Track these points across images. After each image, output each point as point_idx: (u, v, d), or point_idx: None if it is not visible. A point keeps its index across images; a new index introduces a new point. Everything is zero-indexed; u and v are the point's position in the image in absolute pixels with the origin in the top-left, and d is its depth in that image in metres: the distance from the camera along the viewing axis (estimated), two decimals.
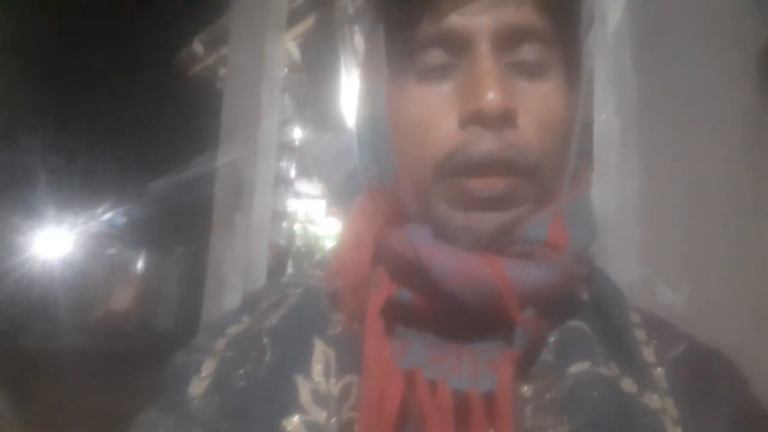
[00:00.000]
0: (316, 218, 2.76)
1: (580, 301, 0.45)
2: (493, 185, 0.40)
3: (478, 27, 0.41)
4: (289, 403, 0.41)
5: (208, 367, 0.45)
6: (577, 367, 0.41)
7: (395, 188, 0.44)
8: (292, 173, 2.06)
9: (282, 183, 1.82)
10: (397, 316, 0.42)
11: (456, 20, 0.41)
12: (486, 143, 0.39)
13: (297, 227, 2.89)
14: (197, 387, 0.44)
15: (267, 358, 0.44)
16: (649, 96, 1.13)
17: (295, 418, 0.40)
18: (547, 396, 0.40)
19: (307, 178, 2.29)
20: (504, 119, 0.39)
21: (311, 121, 2.24)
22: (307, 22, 2.44)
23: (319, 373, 0.42)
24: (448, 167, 0.40)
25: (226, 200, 1.52)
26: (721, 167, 1.04)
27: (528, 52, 0.42)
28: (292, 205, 1.93)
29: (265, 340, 0.45)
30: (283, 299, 0.49)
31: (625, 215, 1.14)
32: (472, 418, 0.38)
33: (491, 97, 0.39)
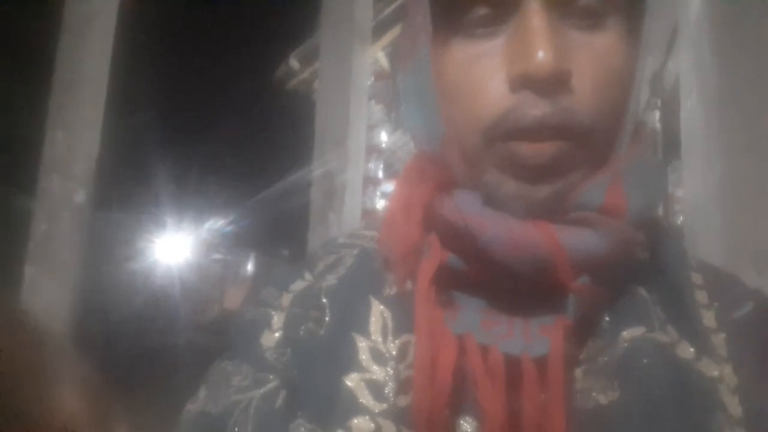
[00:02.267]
0: None
1: (640, 264, 0.43)
2: (545, 151, 0.37)
3: None
4: (349, 361, 0.41)
5: (277, 322, 0.46)
6: (631, 333, 0.39)
7: (443, 153, 0.42)
8: (380, 174, 2.16)
9: (371, 183, 1.92)
10: (448, 282, 0.41)
11: None
12: (537, 108, 0.37)
13: None
14: (269, 339, 0.45)
15: (327, 318, 0.45)
16: (730, 83, 1.13)
17: (355, 375, 0.40)
18: (600, 360, 0.39)
19: (396, 179, 2.38)
20: (556, 81, 0.36)
21: (398, 124, 2.34)
22: (394, 32, 2.55)
23: (376, 332, 0.42)
24: (498, 133, 0.38)
25: (320, 202, 1.64)
26: None
27: (583, 3, 0.38)
28: (381, 204, 2.03)
29: (324, 300, 0.46)
30: (339, 260, 0.49)
31: (709, 200, 1.14)
32: (524, 382, 0.37)
33: (541, 57, 0.36)
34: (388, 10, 2.46)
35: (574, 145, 0.38)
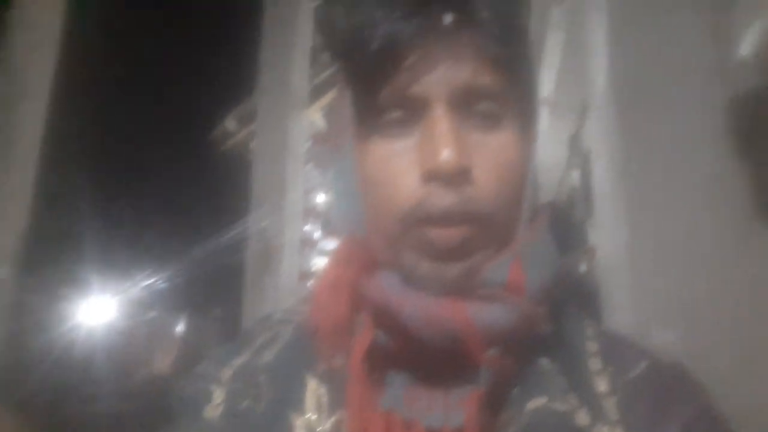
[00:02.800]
0: None
1: (544, 336, 0.46)
2: (453, 236, 0.42)
3: (434, 91, 0.43)
4: None
5: (218, 396, 0.48)
6: (535, 403, 0.43)
7: (367, 237, 0.46)
8: (317, 235, 2.19)
9: (308, 245, 1.94)
10: (377, 359, 0.44)
11: (414, 86, 0.43)
12: (444, 198, 0.42)
13: None
14: (212, 412, 0.47)
15: (264, 395, 0.47)
16: (633, 152, 1.24)
17: None
18: (508, 431, 0.42)
19: (334, 236, 2.41)
20: (459, 175, 0.42)
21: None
22: (331, 95, 2.63)
23: (312, 409, 0.45)
24: (412, 220, 0.43)
25: (256, 264, 1.64)
26: (702, 214, 1.13)
27: (482, 108, 0.44)
28: (319, 263, 2.05)
29: (262, 377, 0.48)
30: (276, 336, 0.52)
31: (619, 258, 1.23)
32: None
33: (446, 155, 0.41)
34: (325, 74, 2.55)
35: (479, 230, 0.43)
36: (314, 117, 2.51)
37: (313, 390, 0.46)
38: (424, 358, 0.43)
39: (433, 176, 0.42)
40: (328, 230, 2.41)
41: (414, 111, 0.43)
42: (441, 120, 0.42)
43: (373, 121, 0.45)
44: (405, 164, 0.43)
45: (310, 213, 2.08)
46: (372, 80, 0.44)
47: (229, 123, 2.55)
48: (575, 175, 3.27)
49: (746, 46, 0.71)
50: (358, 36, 0.45)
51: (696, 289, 1.08)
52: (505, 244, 0.45)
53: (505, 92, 0.44)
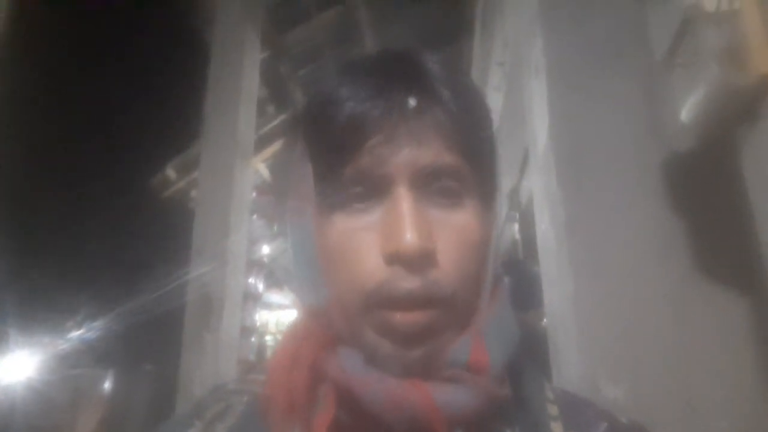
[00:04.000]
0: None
1: (504, 403, 0.46)
2: (416, 320, 0.41)
3: (395, 169, 0.43)
4: None
5: None
6: None
7: (327, 312, 0.45)
8: (261, 288, 2.13)
9: (251, 298, 1.89)
10: None
11: (374, 163, 0.43)
12: (407, 281, 0.41)
13: (269, 338, 2.89)
14: None
15: None
16: (574, 207, 1.28)
17: None
18: None
19: (278, 288, 2.36)
20: (422, 258, 0.41)
21: (280, 233, 2.35)
22: (276, 146, 2.63)
23: None
24: (374, 301, 0.42)
25: (195, 318, 1.57)
26: (644, 268, 1.17)
27: (444, 186, 0.44)
28: (263, 317, 1.99)
29: None
30: (228, 408, 0.50)
31: (566, 313, 1.25)
32: None
33: (408, 238, 0.41)
34: (270, 125, 2.55)
35: (441, 312, 0.42)
36: (258, 167, 2.48)
37: None
38: None
39: (396, 259, 0.41)
40: (272, 282, 2.36)
41: (376, 189, 0.43)
42: (403, 199, 0.42)
43: (335, 196, 0.44)
44: (367, 242, 0.43)
45: (254, 265, 2.02)
46: (335, 157, 0.44)
47: (169, 171, 2.50)
48: (515, 229, 3.38)
49: (686, 113, 0.76)
50: (323, 112, 0.45)
51: (640, 343, 1.11)
52: (467, 323, 0.44)
53: (467, 172, 0.45)
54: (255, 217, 2.07)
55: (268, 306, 2.22)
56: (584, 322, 1.19)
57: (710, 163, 0.89)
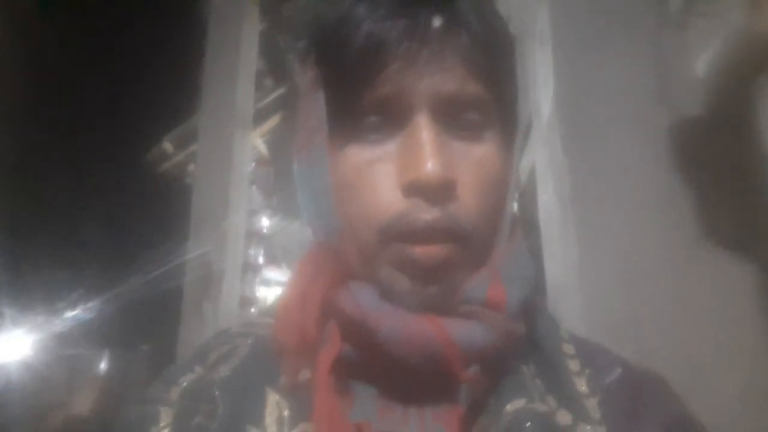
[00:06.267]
0: None
1: (520, 341, 0.46)
2: (435, 252, 0.40)
3: (416, 96, 0.41)
4: None
5: (165, 417, 0.45)
6: (514, 405, 0.42)
7: (340, 245, 0.44)
8: (261, 260, 2.13)
9: (250, 270, 1.88)
10: (345, 371, 0.42)
11: (394, 89, 0.41)
12: (427, 213, 0.40)
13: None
14: None
15: (219, 411, 0.44)
16: (580, 176, 1.27)
17: None
18: None
19: (276, 265, 2.35)
20: (443, 189, 0.40)
21: (279, 210, 2.34)
22: (274, 120, 2.60)
23: (272, 424, 0.42)
24: (391, 234, 0.41)
25: (195, 291, 1.56)
26: (649, 235, 1.16)
27: (465, 118, 0.43)
28: (261, 291, 1.99)
29: (217, 393, 0.45)
30: (233, 350, 0.49)
31: (568, 282, 1.24)
32: None
33: (430, 167, 0.39)
34: (268, 99, 2.52)
35: (460, 246, 0.41)
36: (256, 142, 2.46)
37: (274, 403, 0.44)
38: (399, 374, 0.42)
39: (416, 188, 0.40)
40: (270, 258, 2.35)
41: (395, 117, 0.42)
42: (425, 128, 0.40)
43: (350, 126, 0.42)
44: (384, 173, 0.41)
45: (254, 236, 2.01)
46: (352, 82, 0.42)
47: (166, 145, 2.47)
48: (513, 206, 3.38)
49: (703, 67, 0.74)
50: (339, 33, 0.42)
51: (645, 309, 1.11)
52: (484, 260, 0.44)
53: (490, 103, 0.43)
54: (254, 188, 2.06)
55: (267, 282, 2.22)
56: (588, 293, 1.19)
57: (723, 123, 0.88)
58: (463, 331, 0.41)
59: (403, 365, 0.40)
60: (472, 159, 0.43)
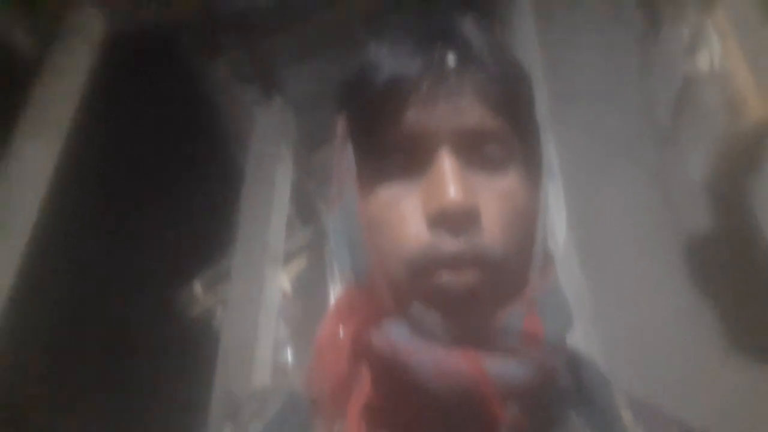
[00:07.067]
0: None
1: (564, 389, 0.44)
2: (463, 281, 0.40)
3: (438, 132, 0.42)
4: None
5: None
6: None
7: (371, 285, 0.44)
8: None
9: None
10: (378, 416, 0.42)
11: (417, 128, 0.42)
12: (452, 244, 0.40)
13: None
14: None
15: None
16: (600, 299, 1.29)
17: None
18: None
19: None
20: (467, 217, 0.40)
21: (304, 342, 2.34)
22: (299, 263, 2.70)
23: None
24: (419, 266, 0.41)
25: (219, 417, 1.54)
26: (673, 353, 1.15)
27: (487, 151, 0.43)
28: None
29: None
30: (264, 406, 0.50)
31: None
32: None
33: (452, 194, 0.39)
34: (294, 243, 2.65)
35: (488, 276, 0.40)
36: (283, 282, 2.54)
37: None
38: (430, 414, 0.40)
39: (440, 217, 0.40)
40: None
41: (418, 154, 0.43)
42: (447, 159, 0.41)
43: (377, 167, 0.44)
44: (410, 208, 0.42)
45: (279, 370, 2.01)
46: (376, 121, 0.43)
47: (196, 287, 2.55)
48: None
49: (695, 168, 0.81)
50: (362, 78, 0.45)
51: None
52: (518, 293, 0.42)
53: (511, 137, 0.44)
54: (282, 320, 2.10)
55: None
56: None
57: (727, 227, 0.92)
58: (498, 364, 0.39)
59: (437, 404, 0.39)
60: (496, 190, 0.43)
